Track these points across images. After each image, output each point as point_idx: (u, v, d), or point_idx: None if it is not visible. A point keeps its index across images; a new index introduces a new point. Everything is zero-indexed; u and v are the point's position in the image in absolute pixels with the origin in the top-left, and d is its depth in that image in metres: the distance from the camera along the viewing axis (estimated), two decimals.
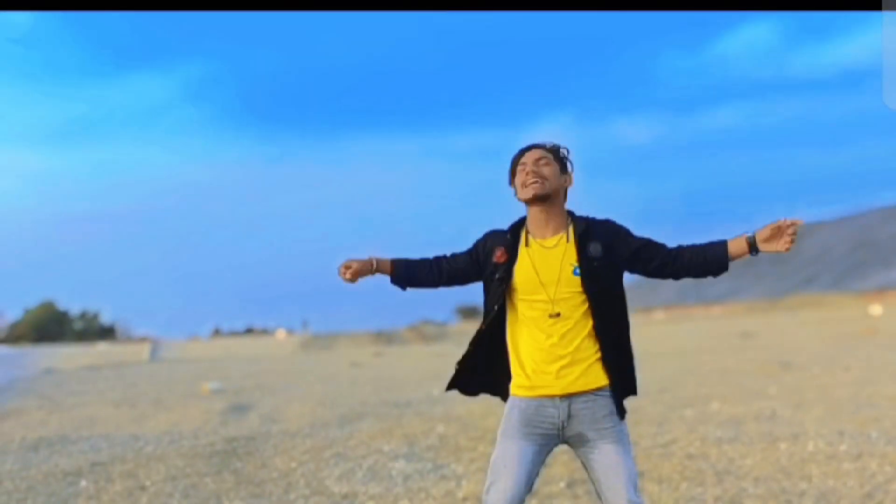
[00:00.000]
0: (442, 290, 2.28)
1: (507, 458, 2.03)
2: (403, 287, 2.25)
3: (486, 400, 2.46)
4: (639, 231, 2.19)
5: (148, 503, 4.00)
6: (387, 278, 2.26)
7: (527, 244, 2.12)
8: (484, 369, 2.19)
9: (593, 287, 2.06)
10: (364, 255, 2.25)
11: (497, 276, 2.10)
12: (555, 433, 2.08)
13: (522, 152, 2.17)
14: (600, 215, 2.19)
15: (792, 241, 2.01)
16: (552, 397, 2.07)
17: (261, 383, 11.95)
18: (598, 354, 2.08)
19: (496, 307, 2.11)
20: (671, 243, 2.19)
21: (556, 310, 2.06)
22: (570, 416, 2.06)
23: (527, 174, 2.11)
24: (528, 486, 2.03)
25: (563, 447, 2.16)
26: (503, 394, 2.18)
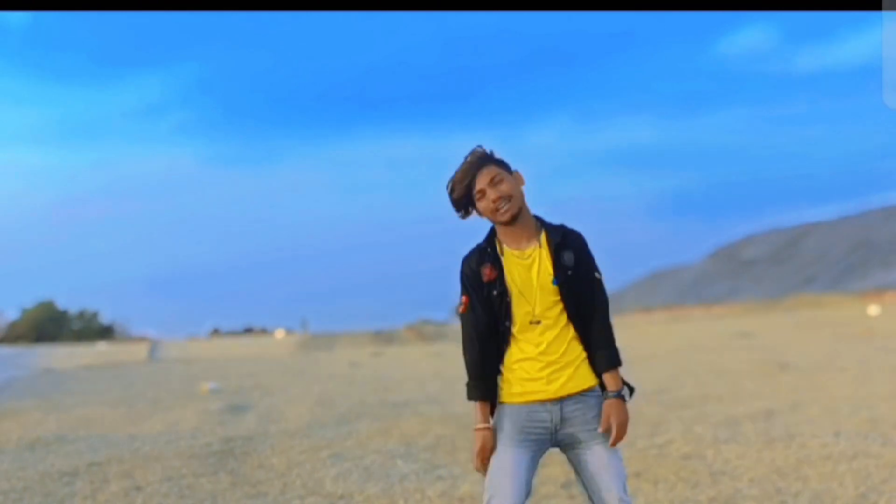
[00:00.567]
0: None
1: (504, 468, 2.03)
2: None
3: None
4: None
5: (143, 503, 4.00)
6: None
7: (502, 254, 2.11)
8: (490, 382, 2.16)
9: (571, 294, 2.08)
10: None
11: (495, 292, 2.08)
12: (547, 437, 2.09)
13: (470, 176, 2.09)
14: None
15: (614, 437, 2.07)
16: (544, 402, 2.07)
17: (259, 383, 11.96)
18: (584, 355, 2.11)
19: (507, 323, 2.09)
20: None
21: (538, 318, 2.07)
22: (562, 419, 2.07)
23: (493, 201, 2.07)
24: (527, 494, 2.03)
25: (555, 448, 2.16)
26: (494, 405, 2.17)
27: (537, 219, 2.17)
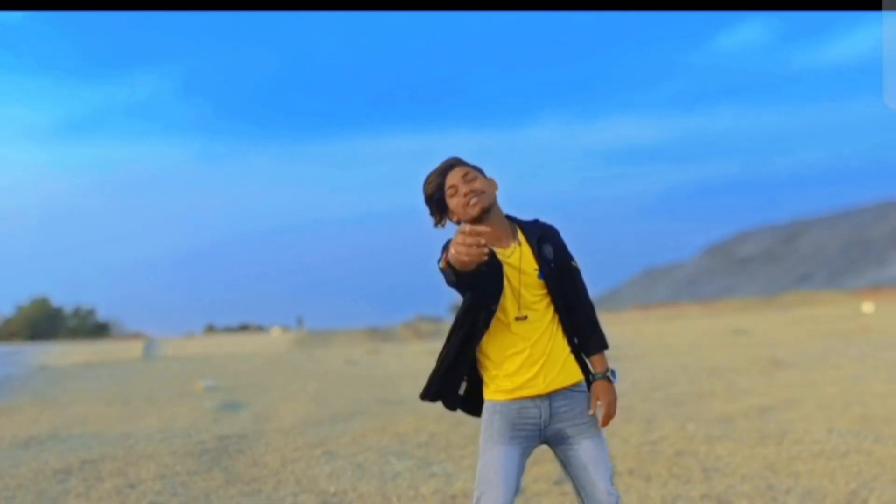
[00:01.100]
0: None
1: (494, 466, 2.04)
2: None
3: None
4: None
5: (137, 501, 4.00)
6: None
7: None
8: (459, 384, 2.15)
9: (556, 286, 2.10)
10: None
11: (485, 270, 1.98)
12: (536, 433, 2.10)
13: (441, 175, 2.09)
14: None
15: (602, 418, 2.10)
16: (533, 398, 2.08)
17: (254, 381, 11.95)
18: (570, 349, 2.13)
19: (494, 307, 2.04)
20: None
21: (524, 313, 2.08)
22: (551, 414, 2.08)
23: (464, 195, 2.06)
24: (517, 491, 2.04)
25: (544, 445, 2.17)
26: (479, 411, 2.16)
27: (510, 218, 2.19)
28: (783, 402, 6.79)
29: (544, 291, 2.09)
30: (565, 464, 2.12)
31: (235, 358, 21.39)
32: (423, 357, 16.96)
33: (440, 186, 2.11)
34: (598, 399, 2.10)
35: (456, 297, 2.15)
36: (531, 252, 2.10)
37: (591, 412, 2.09)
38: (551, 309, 2.11)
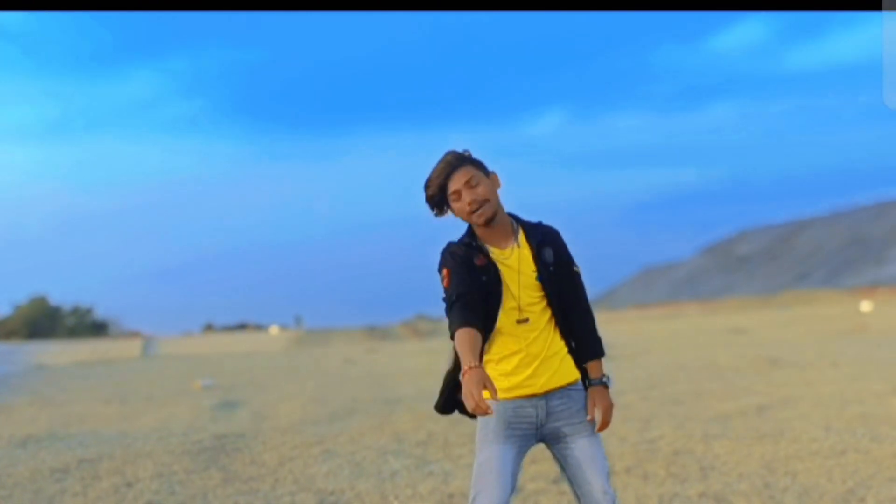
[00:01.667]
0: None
1: (490, 464, 2.03)
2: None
3: None
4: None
5: (134, 500, 4.00)
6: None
7: (487, 251, 2.11)
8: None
9: (554, 289, 2.09)
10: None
11: (485, 278, 2.05)
12: (532, 432, 2.10)
13: (445, 175, 2.06)
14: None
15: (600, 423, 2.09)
16: (530, 397, 2.08)
17: (252, 380, 11.95)
18: (567, 349, 2.12)
19: (494, 312, 2.05)
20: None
21: (524, 315, 2.07)
22: (547, 413, 2.08)
23: (469, 204, 2.05)
24: (513, 490, 2.04)
25: (540, 445, 2.17)
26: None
27: (512, 217, 2.18)
28: (781, 400, 6.79)
29: (542, 294, 2.09)
30: (562, 463, 2.12)
31: (233, 357, 21.39)
32: (422, 356, 16.96)
33: (442, 188, 2.09)
34: (595, 405, 2.09)
35: None
36: (530, 254, 2.10)
37: (589, 417, 2.08)
38: (549, 311, 2.10)
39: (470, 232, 2.14)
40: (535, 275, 2.08)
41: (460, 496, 3.86)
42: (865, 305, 29.45)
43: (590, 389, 2.12)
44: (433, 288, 2.18)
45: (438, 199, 2.11)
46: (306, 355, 20.96)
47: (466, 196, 2.06)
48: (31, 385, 12.55)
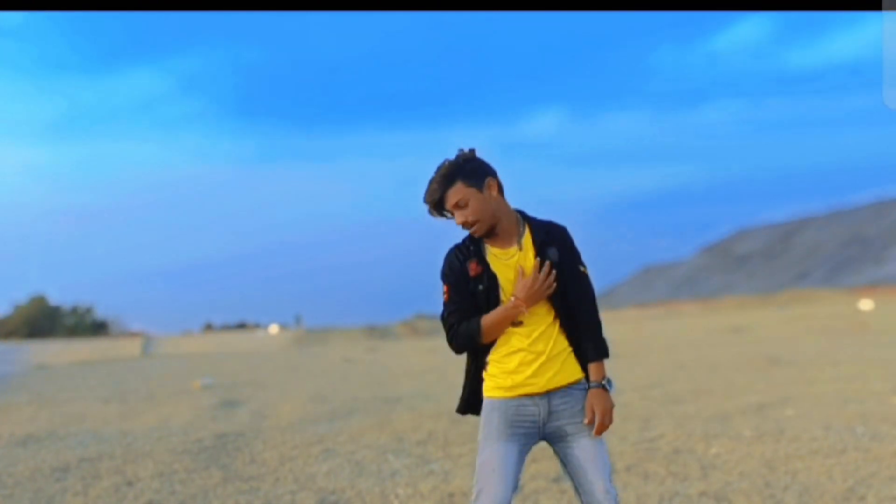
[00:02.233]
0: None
1: (493, 462, 2.04)
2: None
3: None
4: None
5: (134, 499, 4.00)
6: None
7: (486, 253, 2.12)
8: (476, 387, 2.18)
9: (557, 291, 2.09)
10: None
11: (481, 287, 2.08)
12: (535, 431, 2.10)
13: (437, 196, 2.07)
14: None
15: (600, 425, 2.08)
16: (532, 395, 2.08)
17: (252, 379, 11.95)
18: (570, 348, 2.12)
19: None
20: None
21: (521, 318, 2.08)
22: (549, 412, 2.08)
23: (460, 223, 2.08)
24: (515, 488, 2.04)
25: (543, 443, 2.17)
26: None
27: (520, 213, 2.17)
28: (781, 399, 6.80)
29: None
30: (564, 461, 2.12)
31: (233, 356, 21.39)
32: (421, 355, 16.96)
33: (437, 207, 2.11)
34: (592, 408, 2.07)
35: None
36: (532, 255, 2.10)
37: (586, 420, 2.07)
38: (553, 310, 2.10)
39: (471, 235, 2.15)
40: None
41: (460, 495, 3.86)
42: (865, 304, 29.47)
43: (589, 392, 2.11)
44: (433, 287, 2.21)
45: (438, 213, 2.13)
46: (306, 354, 20.96)
47: (458, 218, 2.09)
48: (32, 385, 12.55)
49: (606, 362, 2.16)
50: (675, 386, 8.24)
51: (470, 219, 2.07)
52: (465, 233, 2.16)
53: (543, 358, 2.08)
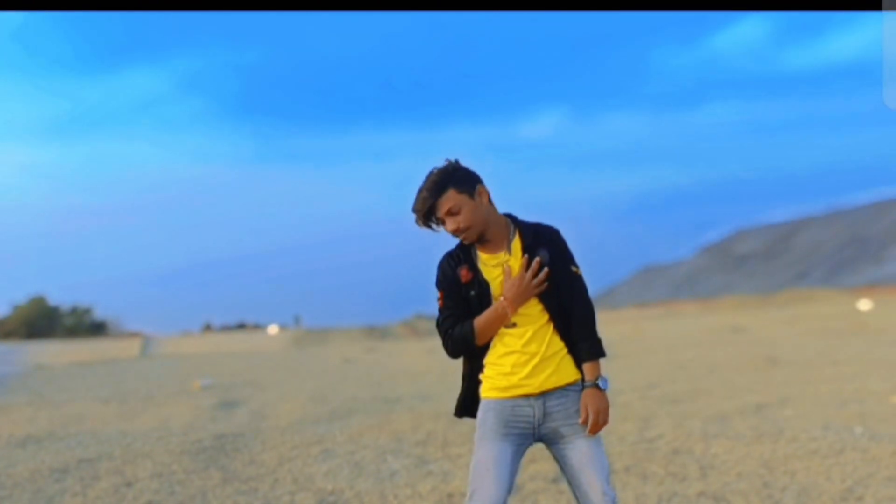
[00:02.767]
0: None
1: (487, 462, 2.04)
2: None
3: None
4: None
5: (134, 500, 4.00)
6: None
7: (477, 259, 2.13)
8: (473, 390, 2.20)
9: (548, 291, 2.10)
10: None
11: (473, 293, 2.11)
12: (530, 432, 2.10)
13: (428, 206, 2.09)
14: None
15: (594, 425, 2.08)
16: (527, 396, 2.09)
17: (252, 379, 11.94)
18: (566, 349, 2.13)
19: None
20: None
21: (514, 319, 2.09)
22: (545, 413, 2.09)
23: (451, 231, 2.10)
24: (510, 488, 2.04)
25: (540, 444, 2.17)
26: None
27: (510, 218, 2.18)
28: (780, 399, 6.80)
29: (534, 298, 2.10)
30: (561, 463, 2.12)
31: (233, 356, 21.38)
32: (420, 355, 16.96)
33: (427, 217, 2.12)
34: (586, 407, 2.08)
35: None
36: (521, 258, 2.10)
37: (581, 420, 2.08)
38: (546, 313, 2.11)
39: (461, 243, 2.17)
40: None
41: (459, 496, 3.87)
42: (864, 304, 29.47)
43: (583, 392, 2.11)
44: (432, 288, 2.23)
45: (427, 223, 2.14)
46: (305, 355, 20.96)
47: (450, 225, 2.09)
48: (31, 385, 12.54)
49: (604, 362, 2.17)
50: (674, 386, 8.25)
51: (462, 225, 2.08)
52: (457, 239, 2.18)
53: (537, 359, 2.09)
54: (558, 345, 2.12)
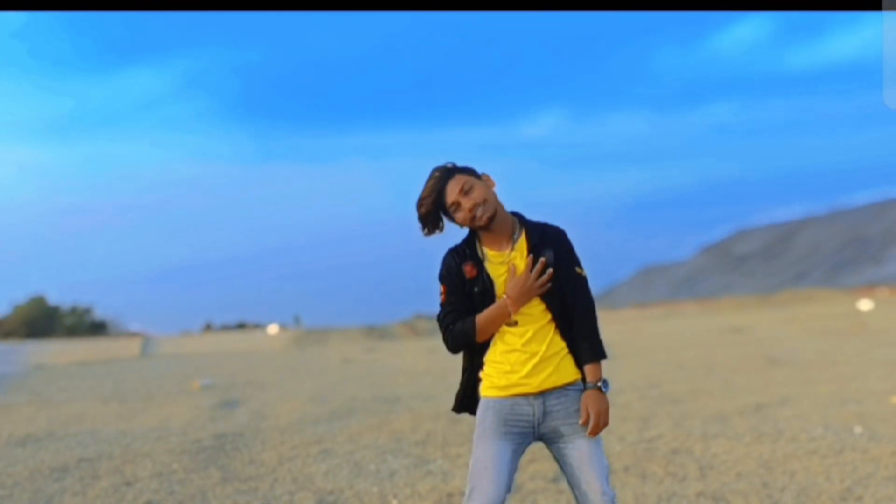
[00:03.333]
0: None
1: (486, 460, 2.05)
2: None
3: None
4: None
5: (133, 499, 4.00)
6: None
7: (482, 256, 2.13)
8: (473, 386, 2.20)
9: (551, 291, 2.10)
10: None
11: (476, 289, 2.11)
12: (530, 431, 2.10)
13: (437, 191, 2.08)
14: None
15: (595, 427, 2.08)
16: (527, 395, 2.09)
17: (251, 379, 11.94)
18: (567, 349, 2.13)
19: None
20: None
21: (516, 318, 2.09)
22: (545, 412, 2.09)
23: (469, 210, 2.08)
24: (508, 487, 2.04)
25: (540, 443, 2.18)
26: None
27: (516, 216, 2.18)
28: (779, 399, 6.80)
29: (539, 296, 2.10)
30: (560, 463, 2.12)
31: (232, 356, 21.38)
32: (420, 355, 16.96)
33: (437, 204, 2.11)
34: (587, 408, 2.08)
35: None
36: (526, 257, 2.11)
37: (581, 421, 2.08)
38: (548, 312, 2.11)
39: (468, 239, 2.16)
40: None
41: (459, 495, 3.87)
42: (864, 304, 29.48)
43: (584, 393, 2.11)
44: (432, 288, 2.23)
45: (433, 217, 2.13)
46: (305, 355, 20.95)
47: (465, 203, 2.08)
48: (30, 385, 12.54)
49: (605, 362, 2.17)
50: (673, 386, 8.25)
51: (479, 199, 2.07)
52: (463, 234, 2.17)
53: (537, 358, 2.09)
54: (559, 345, 2.12)
